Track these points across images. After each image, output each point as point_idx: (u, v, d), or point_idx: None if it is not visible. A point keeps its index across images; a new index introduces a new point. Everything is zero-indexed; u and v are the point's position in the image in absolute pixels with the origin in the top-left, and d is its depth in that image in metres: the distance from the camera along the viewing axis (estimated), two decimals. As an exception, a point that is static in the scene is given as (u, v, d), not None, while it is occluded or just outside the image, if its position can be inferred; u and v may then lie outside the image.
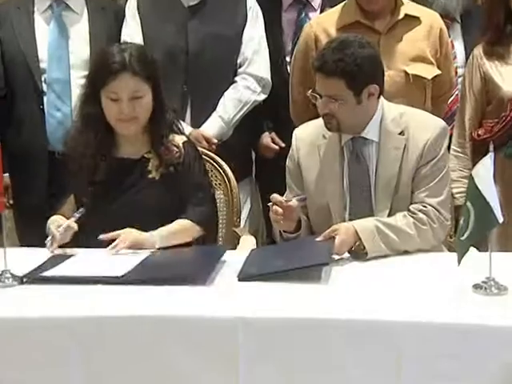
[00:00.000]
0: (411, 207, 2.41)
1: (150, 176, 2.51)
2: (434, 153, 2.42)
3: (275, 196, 2.36)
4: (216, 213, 2.63)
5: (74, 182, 2.53)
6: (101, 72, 2.44)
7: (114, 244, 2.33)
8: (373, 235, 2.30)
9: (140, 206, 2.44)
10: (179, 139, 2.56)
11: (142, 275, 2.13)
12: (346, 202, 2.45)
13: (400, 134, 2.43)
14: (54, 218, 2.49)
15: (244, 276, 2.12)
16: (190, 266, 2.26)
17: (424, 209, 2.39)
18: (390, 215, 2.40)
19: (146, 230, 2.39)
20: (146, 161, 2.52)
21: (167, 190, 2.50)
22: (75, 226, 2.38)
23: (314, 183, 2.47)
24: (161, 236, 2.40)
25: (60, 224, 2.37)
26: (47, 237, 2.41)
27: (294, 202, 2.35)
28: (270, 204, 2.36)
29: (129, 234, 2.35)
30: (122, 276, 2.12)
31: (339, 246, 2.27)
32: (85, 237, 2.41)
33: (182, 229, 2.46)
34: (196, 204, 2.50)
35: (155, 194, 2.47)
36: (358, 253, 2.30)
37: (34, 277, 2.13)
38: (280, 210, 2.33)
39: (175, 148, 2.52)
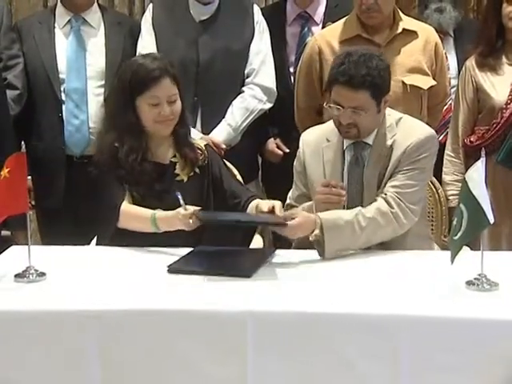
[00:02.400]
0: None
1: (179, 179, 2.53)
2: (415, 155, 2.43)
3: (332, 180, 2.39)
4: None
5: (119, 183, 2.48)
6: (140, 80, 2.45)
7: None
8: (334, 225, 2.30)
9: (173, 207, 2.39)
10: (201, 143, 2.61)
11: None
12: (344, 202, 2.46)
13: (391, 138, 2.47)
14: (132, 208, 2.44)
15: (172, 269, 2.17)
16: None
17: (383, 195, 2.41)
18: None
19: (180, 232, 2.37)
20: (173, 165, 2.54)
21: (196, 191, 2.52)
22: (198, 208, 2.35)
23: (317, 182, 2.50)
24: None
25: (178, 212, 2.33)
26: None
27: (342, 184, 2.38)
28: (321, 188, 2.37)
29: None
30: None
31: (295, 228, 2.27)
32: (121, 240, 2.42)
33: None
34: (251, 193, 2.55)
35: (187, 196, 2.45)
36: (317, 244, 2.29)
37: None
38: (339, 191, 2.35)
39: (199, 151, 2.56)
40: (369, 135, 2.47)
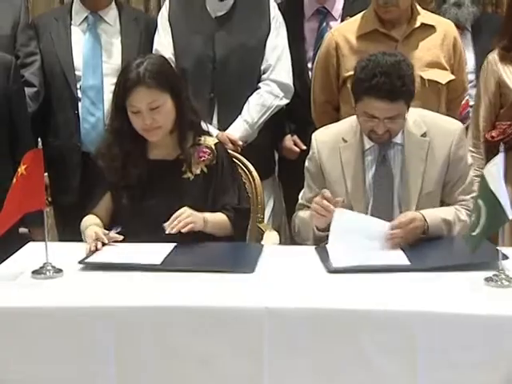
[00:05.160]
0: (455, 207, 2.45)
1: (185, 176, 2.52)
2: (461, 153, 2.48)
3: (327, 191, 2.38)
4: (249, 216, 2.65)
5: (108, 184, 2.56)
6: (122, 86, 2.47)
7: (171, 222, 2.35)
8: (438, 221, 2.35)
9: (176, 206, 2.43)
10: (211, 141, 2.59)
11: (184, 263, 2.19)
12: (368, 201, 2.47)
13: (422, 135, 2.47)
14: (87, 218, 2.52)
15: (166, 265, 2.17)
16: (235, 256, 2.34)
17: (464, 205, 2.45)
18: None
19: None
20: (180, 162, 2.53)
21: (202, 190, 2.51)
22: (120, 238, 2.38)
23: (335, 184, 2.49)
24: (210, 221, 2.43)
25: (96, 232, 2.37)
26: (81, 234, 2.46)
27: (339, 200, 2.36)
28: (316, 198, 2.37)
29: (189, 213, 2.38)
30: (161, 263, 2.18)
31: (414, 232, 2.30)
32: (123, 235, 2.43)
33: (224, 223, 2.49)
34: (237, 208, 2.52)
35: (190, 194, 2.49)
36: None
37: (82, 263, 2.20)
38: (328, 204, 2.33)
39: (208, 149, 2.55)
40: (396, 135, 2.47)
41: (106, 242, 2.34)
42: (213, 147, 2.56)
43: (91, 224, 2.47)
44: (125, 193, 2.52)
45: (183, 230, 2.36)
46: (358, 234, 2.28)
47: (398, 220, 2.32)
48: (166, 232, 2.36)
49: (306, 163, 2.61)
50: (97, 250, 2.31)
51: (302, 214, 2.56)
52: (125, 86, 2.45)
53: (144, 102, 2.44)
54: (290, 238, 3.00)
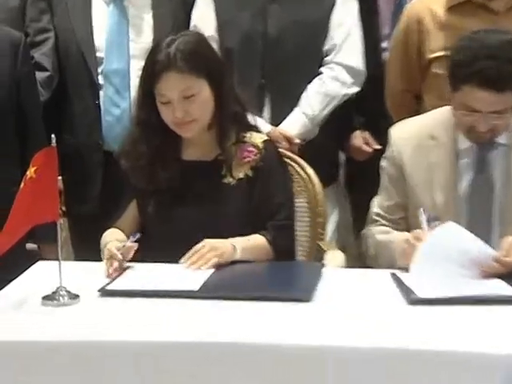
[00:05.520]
0: None
1: (225, 181, 2.53)
2: None
3: (419, 232, 2.33)
4: (294, 239, 2.64)
5: (134, 190, 2.59)
6: (149, 71, 2.48)
7: (194, 259, 2.36)
8: None
9: (213, 215, 2.46)
10: (258, 138, 2.58)
11: (226, 289, 2.19)
12: (460, 215, 2.44)
13: None
14: (109, 233, 2.54)
15: (204, 292, 2.16)
16: (288, 282, 2.33)
17: None
18: None
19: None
20: (219, 163, 2.54)
21: (245, 197, 2.52)
22: (135, 245, 2.40)
23: (420, 191, 2.48)
24: (242, 248, 2.42)
25: (108, 249, 2.39)
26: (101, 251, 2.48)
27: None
28: (409, 238, 2.34)
29: (210, 247, 2.37)
30: (199, 290, 2.18)
31: None
32: (149, 251, 2.45)
33: (261, 247, 2.49)
34: (277, 226, 2.52)
35: (231, 203, 2.49)
36: None
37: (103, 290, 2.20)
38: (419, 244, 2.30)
39: (254, 148, 2.55)
40: (501, 134, 2.43)
41: (121, 258, 2.34)
42: (260, 146, 2.56)
43: (112, 240, 2.48)
44: (152, 200, 2.54)
45: (205, 267, 2.34)
46: (450, 257, 2.25)
47: (506, 251, 2.25)
48: (185, 267, 2.36)
49: (383, 163, 2.60)
50: (117, 270, 2.32)
51: (381, 236, 2.53)
52: (153, 71, 2.46)
53: (175, 90, 2.44)
54: (359, 257, 2.97)
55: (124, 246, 2.37)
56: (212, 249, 2.37)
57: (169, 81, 2.44)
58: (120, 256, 2.34)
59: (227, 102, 2.52)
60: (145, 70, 2.52)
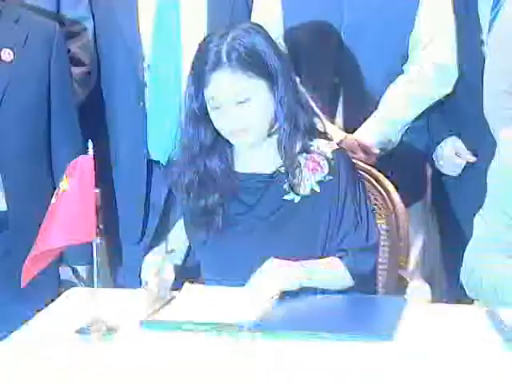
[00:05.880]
0: None
1: (287, 198, 2.54)
2: None
3: None
4: (377, 265, 2.65)
5: (181, 205, 2.64)
6: (198, 71, 2.50)
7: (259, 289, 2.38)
8: None
9: (274, 236, 2.48)
10: (328, 147, 2.58)
11: (289, 324, 2.22)
12: None
13: None
14: (149, 258, 2.58)
15: (262, 327, 2.17)
16: (364, 315, 2.36)
17: None
18: None
19: None
20: (280, 177, 2.55)
21: (311, 218, 2.53)
22: (171, 276, 2.44)
23: None
24: (315, 272, 2.45)
25: (142, 277, 2.45)
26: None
27: None
28: None
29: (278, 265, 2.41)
30: (258, 322, 2.19)
31: None
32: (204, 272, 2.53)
33: (336, 273, 2.51)
34: (357, 249, 2.54)
35: (295, 223, 2.51)
36: None
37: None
38: None
39: (322, 159, 2.55)
40: None
41: (156, 287, 2.35)
42: (330, 156, 2.57)
43: (153, 262, 2.51)
44: (203, 218, 2.57)
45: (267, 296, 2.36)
46: None
47: None
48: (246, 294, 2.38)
49: (491, 173, 2.55)
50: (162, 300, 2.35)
51: (501, 267, 2.47)
52: (201, 71, 2.48)
53: (227, 94, 2.46)
54: (448, 290, 3.00)
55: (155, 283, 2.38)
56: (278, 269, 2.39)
57: (219, 82, 2.46)
58: (155, 287, 2.35)
59: (290, 106, 2.52)
60: (192, 69, 2.53)
